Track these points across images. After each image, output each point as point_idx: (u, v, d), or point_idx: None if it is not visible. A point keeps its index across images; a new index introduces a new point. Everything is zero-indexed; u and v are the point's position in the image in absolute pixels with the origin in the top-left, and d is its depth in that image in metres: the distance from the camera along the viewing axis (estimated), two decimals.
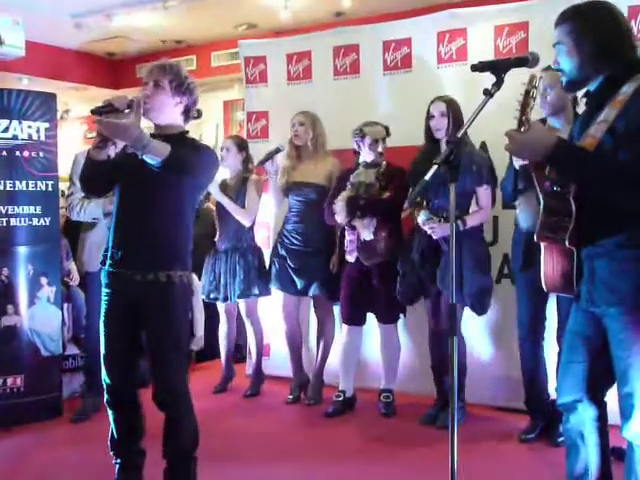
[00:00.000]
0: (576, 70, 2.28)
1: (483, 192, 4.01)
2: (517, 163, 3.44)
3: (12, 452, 3.86)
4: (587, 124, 2.30)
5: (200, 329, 5.70)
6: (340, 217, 4.30)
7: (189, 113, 3.00)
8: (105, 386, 2.97)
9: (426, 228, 3.97)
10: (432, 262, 4.03)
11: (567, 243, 2.29)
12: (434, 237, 3.96)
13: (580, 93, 2.46)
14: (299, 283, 4.62)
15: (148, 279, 2.84)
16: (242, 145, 4.88)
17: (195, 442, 2.97)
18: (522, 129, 2.29)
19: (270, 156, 4.65)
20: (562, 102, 3.58)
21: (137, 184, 2.87)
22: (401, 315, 4.43)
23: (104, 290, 2.97)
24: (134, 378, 3.00)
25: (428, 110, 4.08)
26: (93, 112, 2.77)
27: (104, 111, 2.74)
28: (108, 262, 2.93)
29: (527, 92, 2.36)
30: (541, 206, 2.39)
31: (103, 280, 2.98)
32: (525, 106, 2.34)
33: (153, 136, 2.86)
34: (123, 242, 2.91)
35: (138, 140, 2.65)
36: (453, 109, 4.02)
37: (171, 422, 2.91)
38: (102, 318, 2.96)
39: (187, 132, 3.02)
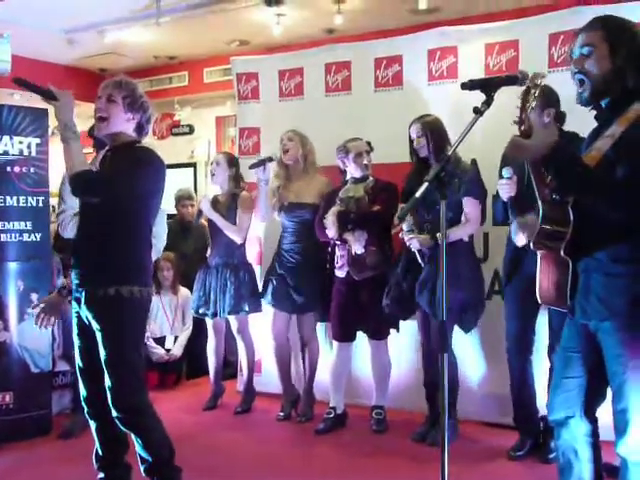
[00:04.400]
0: (606, 78, 2.25)
1: (468, 204, 3.99)
2: (505, 196, 3.37)
3: (1, 470, 3.81)
4: (595, 138, 2.31)
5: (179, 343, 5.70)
6: (332, 231, 4.30)
7: (142, 130, 3.05)
8: (82, 398, 3.01)
9: (406, 239, 3.98)
10: (414, 276, 4.02)
11: (562, 252, 2.28)
12: (412, 249, 3.96)
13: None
14: (298, 300, 4.58)
15: (99, 294, 2.87)
16: (232, 162, 4.88)
17: (169, 452, 2.95)
18: (522, 127, 2.28)
19: (262, 162, 4.63)
20: (540, 122, 3.54)
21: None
22: (393, 331, 4.42)
23: (73, 304, 3.03)
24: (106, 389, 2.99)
25: (409, 133, 4.10)
26: (31, 88, 2.90)
27: (43, 94, 2.89)
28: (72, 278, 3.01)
29: (527, 89, 2.31)
30: (540, 214, 2.37)
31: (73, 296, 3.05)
32: (524, 103, 2.30)
33: (102, 147, 3.03)
34: (77, 258, 2.99)
35: (67, 121, 2.82)
36: (430, 129, 4.00)
37: (136, 438, 2.90)
38: (73, 332, 3.02)
39: (139, 142, 3.06)
